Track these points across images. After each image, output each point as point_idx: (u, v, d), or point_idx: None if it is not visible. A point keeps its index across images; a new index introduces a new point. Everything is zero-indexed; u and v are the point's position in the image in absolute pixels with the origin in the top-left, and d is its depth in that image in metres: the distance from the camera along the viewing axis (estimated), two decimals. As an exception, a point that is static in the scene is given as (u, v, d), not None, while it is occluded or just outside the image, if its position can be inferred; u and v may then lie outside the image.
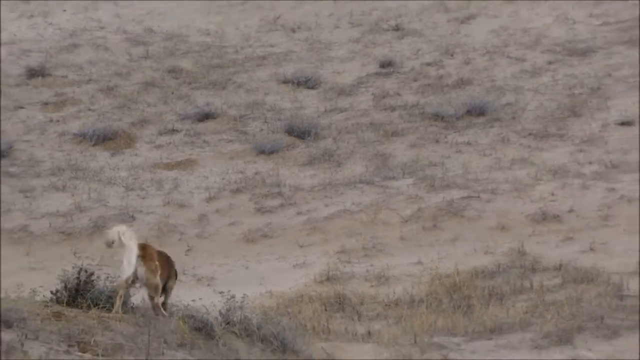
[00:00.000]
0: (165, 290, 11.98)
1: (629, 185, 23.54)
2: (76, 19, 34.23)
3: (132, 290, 12.04)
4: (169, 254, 12.54)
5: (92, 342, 9.33)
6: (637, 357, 14.68)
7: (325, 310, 17.50)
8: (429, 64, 31.30)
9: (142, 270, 11.33)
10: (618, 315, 16.49)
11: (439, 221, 22.70)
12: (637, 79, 30.82)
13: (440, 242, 21.99)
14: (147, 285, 11.44)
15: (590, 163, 24.91)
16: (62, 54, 31.90)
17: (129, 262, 11.30)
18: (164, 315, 11.49)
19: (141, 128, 28.21)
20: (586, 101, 29.34)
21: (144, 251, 11.65)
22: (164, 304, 11.80)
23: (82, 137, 27.23)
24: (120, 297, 11.14)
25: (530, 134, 27.82)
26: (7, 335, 8.94)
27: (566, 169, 24.59)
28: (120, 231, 11.69)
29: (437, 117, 27.52)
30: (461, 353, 15.03)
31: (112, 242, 11.64)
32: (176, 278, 12.58)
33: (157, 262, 11.64)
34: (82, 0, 34.96)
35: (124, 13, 34.48)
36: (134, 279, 11.40)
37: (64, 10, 33.33)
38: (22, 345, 8.63)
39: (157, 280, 11.47)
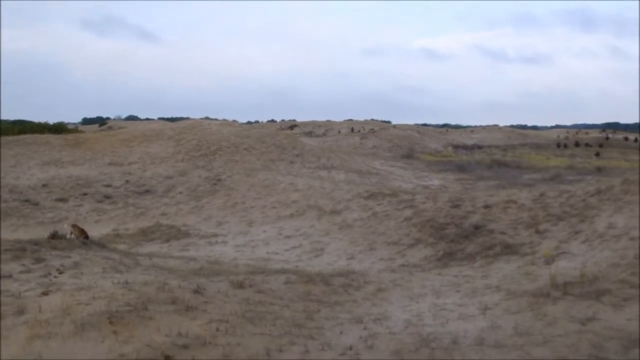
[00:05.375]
0: (82, 236, 12.79)
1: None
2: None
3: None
4: (82, 227, 13.53)
5: (60, 246, 10.74)
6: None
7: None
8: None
9: (73, 230, 12.71)
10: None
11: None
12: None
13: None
14: (75, 234, 12.60)
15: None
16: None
17: (68, 230, 12.72)
18: (78, 240, 12.32)
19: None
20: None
21: (74, 225, 13.28)
22: (85, 238, 12.77)
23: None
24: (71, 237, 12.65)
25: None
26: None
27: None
28: (66, 224, 13.94)
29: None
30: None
31: (64, 226, 13.53)
32: (86, 233, 13.15)
33: (77, 228, 13.00)
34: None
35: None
36: (71, 233, 12.61)
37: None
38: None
39: (77, 233, 12.70)
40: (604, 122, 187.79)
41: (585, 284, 8.48)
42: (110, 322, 6.07)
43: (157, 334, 5.93)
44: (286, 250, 16.71)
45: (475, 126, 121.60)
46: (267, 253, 16.31)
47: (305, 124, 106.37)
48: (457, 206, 17.71)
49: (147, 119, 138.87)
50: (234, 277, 9.27)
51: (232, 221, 21.22)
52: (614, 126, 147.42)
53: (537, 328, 6.96)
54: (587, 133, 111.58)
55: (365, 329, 7.23)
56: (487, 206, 17.13)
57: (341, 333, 6.96)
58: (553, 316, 7.28)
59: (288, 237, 18.28)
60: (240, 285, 8.71)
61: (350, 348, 6.24)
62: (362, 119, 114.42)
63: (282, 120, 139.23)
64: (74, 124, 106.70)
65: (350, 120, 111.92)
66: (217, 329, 6.28)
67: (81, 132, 56.70)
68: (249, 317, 7.01)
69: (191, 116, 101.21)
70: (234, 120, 64.88)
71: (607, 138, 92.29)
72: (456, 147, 75.73)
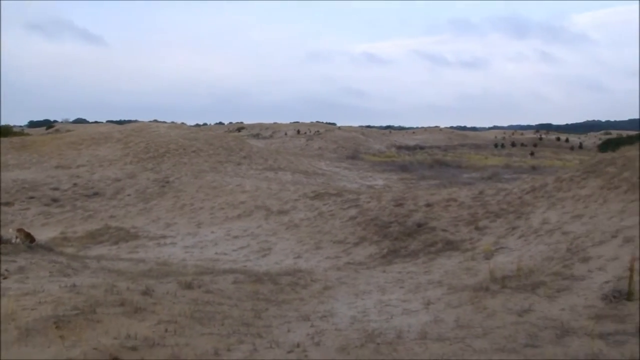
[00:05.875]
0: (28, 240, 12.63)
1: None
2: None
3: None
4: (28, 231, 13.40)
5: (4, 251, 10.48)
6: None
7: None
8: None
9: (18, 234, 12.54)
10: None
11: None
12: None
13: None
14: (20, 238, 12.38)
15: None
16: None
17: (14, 234, 12.54)
18: (24, 244, 12.07)
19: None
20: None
21: (19, 229, 13.18)
22: (31, 241, 12.66)
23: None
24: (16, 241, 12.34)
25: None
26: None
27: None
28: (11, 229, 13.60)
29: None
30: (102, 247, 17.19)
31: (9, 231, 13.24)
32: (32, 237, 13.05)
33: (23, 232, 12.82)
34: None
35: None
36: (16, 237, 12.43)
37: None
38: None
39: (23, 237, 12.51)
40: (537, 123, 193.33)
41: (521, 277, 8.71)
42: (57, 327, 5.88)
43: (105, 336, 5.77)
44: (234, 250, 16.57)
45: (417, 128, 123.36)
46: (216, 253, 16.17)
47: (252, 126, 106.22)
48: (400, 205, 17.86)
49: (96, 122, 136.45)
50: (182, 278, 9.15)
51: (181, 222, 20.97)
52: (547, 127, 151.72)
53: (477, 321, 7.07)
54: (522, 134, 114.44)
55: (312, 326, 7.22)
56: (429, 205, 17.33)
57: (289, 331, 6.93)
58: (492, 309, 7.43)
59: (236, 237, 18.12)
60: (189, 286, 8.59)
61: (298, 345, 6.19)
62: (308, 121, 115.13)
63: (230, 122, 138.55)
64: (20, 126, 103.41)
65: (297, 122, 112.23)
66: (166, 330, 6.17)
67: (27, 135, 55.38)
68: (197, 317, 6.91)
69: (140, 119, 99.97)
70: (183, 123, 64.11)
71: (540, 138, 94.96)
72: (399, 147, 76.60)
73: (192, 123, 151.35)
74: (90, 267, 10.81)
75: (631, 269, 7.03)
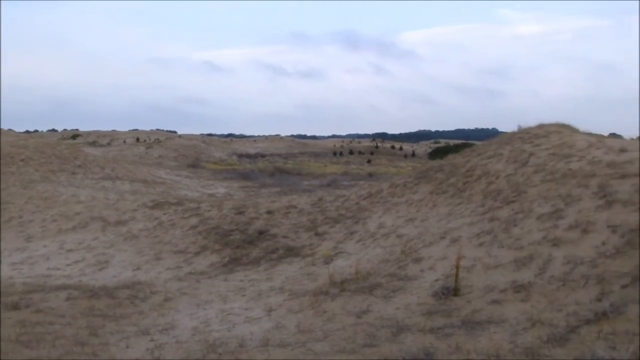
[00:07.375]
0: None
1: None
2: None
3: None
4: None
5: None
6: None
7: None
8: None
9: None
10: None
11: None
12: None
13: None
14: None
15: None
16: None
17: None
18: None
19: None
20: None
21: None
22: None
23: None
24: None
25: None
26: None
27: None
28: None
29: None
30: None
31: None
32: None
33: None
34: None
35: None
36: None
37: None
38: None
39: None
40: (374, 132, 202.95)
41: (359, 280, 9.05)
42: None
43: None
44: (68, 265, 15.65)
45: (258, 136, 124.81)
46: (48, 269, 15.18)
47: (89, 133, 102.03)
48: (241, 213, 17.90)
49: None
50: (8, 299, 8.55)
51: (8, 237, 19.35)
52: (383, 136, 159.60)
53: (317, 324, 7.24)
54: (359, 142, 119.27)
55: (152, 340, 7.04)
56: (269, 212, 17.52)
57: (127, 347, 6.71)
58: (332, 312, 7.65)
59: (70, 250, 17.13)
60: (16, 307, 8.05)
61: (137, 361, 6.00)
62: (148, 128, 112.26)
63: (65, 129, 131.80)
64: None
65: (136, 130, 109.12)
66: (-15, 358, 5.72)
67: None
68: (24, 340, 6.48)
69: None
70: (10, 129, 59.58)
71: (377, 147, 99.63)
72: (240, 156, 76.93)
73: (21, 129, 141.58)
74: None
75: (457, 267, 7.57)
